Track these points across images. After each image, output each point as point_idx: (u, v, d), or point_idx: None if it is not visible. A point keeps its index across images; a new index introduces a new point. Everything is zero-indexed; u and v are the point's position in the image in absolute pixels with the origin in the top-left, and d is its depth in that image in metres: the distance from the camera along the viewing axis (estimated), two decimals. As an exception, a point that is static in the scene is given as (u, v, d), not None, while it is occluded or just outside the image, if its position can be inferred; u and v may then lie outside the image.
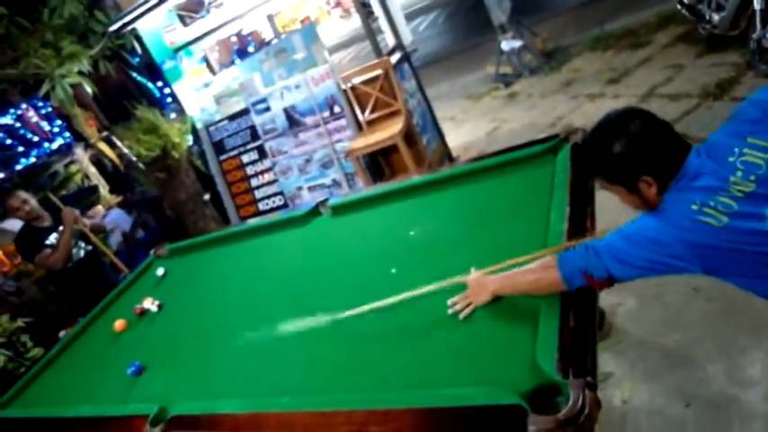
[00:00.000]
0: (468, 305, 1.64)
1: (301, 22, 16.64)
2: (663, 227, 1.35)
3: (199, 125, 5.29)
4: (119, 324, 2.64)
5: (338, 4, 22.92)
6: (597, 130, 1.47)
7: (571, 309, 1.40)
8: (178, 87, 5.40)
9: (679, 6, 5.31)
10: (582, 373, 1.20)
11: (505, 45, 6.86)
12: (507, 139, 5.13)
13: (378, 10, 4.89)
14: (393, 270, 2.04)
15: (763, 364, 2.21)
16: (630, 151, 1.39)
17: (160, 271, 3.07)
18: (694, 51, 5.13)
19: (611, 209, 2.85)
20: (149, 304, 2.70)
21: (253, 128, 4.99)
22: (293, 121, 4.76)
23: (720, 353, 2.33)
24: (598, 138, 1.46)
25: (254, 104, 4.85)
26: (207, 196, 5.59)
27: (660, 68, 5.20)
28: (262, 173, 5.16)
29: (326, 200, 2.89)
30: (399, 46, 4.91)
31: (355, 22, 16.56)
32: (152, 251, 3.40)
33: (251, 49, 7.36)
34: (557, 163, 2.08)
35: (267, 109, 4.82)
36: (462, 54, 9.36)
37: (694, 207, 1.32)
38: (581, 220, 1.68)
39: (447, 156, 5.16)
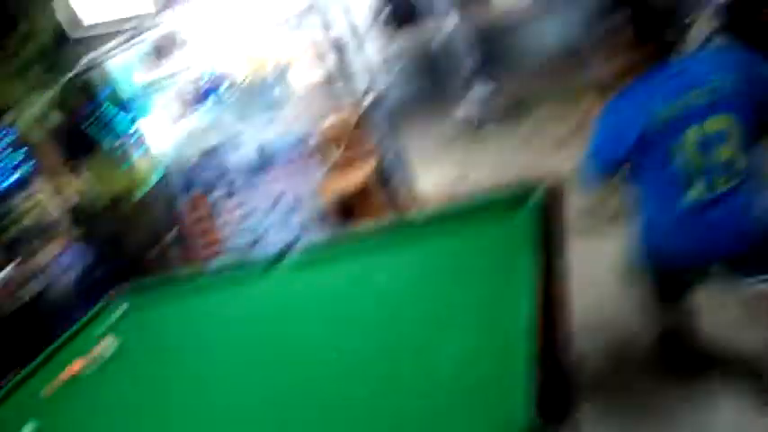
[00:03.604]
0: None
1: (275, 63, 16.86)
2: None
3: (167, 162, 5.21)
4: (66, 372, 2.50)
5: (312, 48, 23.28)
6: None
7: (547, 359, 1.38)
8: (147, 123, 5.33)
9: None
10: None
11: (474, 93, 7.03)
12: (474, 186, 5.19)
13: (352, 53, 4.96)
14: (360, 322, 2.00)
15: None
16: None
17: (119, 311, 2.96)
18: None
19: (587, 260, 2.88)
20: (106, 346, 2.58)
21: (222, 166, 4.94)
22: (264, 160, 4.74)
23: None
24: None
25: (224, 143, 4.81)
26: (171, 235, 5.47)
27: (624, 121, 5.34)
28: (230, 212, 5.09)
29: (294, 242, 2.85)
30: (372, 89, 4.97)
31: (329, 64, 16.80)
32: (111, 290, 3.28)
33: (223, 88, 7.36)
34: (526, 211, 2.09)
35: (238, 147, 4.79)
36: (432, 101, 9.52)
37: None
38: (551, 269, 1.68)
39: (416, 200, 5.18)
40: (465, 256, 2.14)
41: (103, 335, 2.73)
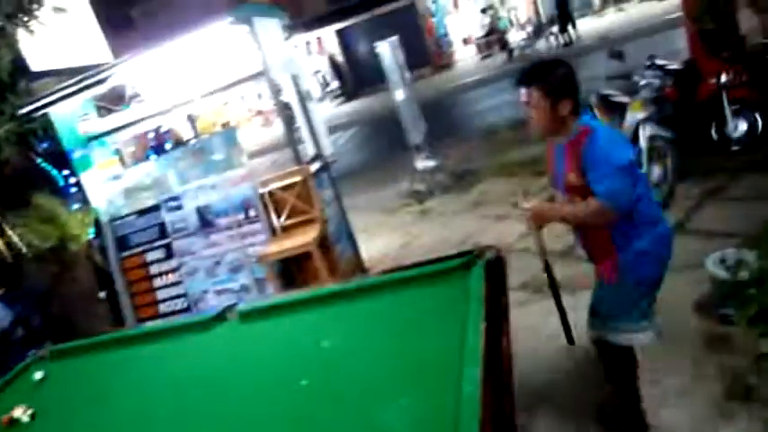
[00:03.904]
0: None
1: (222, 125, 16.86)
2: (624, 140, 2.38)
3: (104, 218, 5.04)
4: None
5: (260, 113, 23.50)
6: (546, 61, 2.32)
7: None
8: (86, 177, 5.18)
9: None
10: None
11: (420, 164, 7.23)
12: (419, 254, 5.24)
13: (300, 119, 5.03)
14: (303, 382, 1.94)
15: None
16: (567, 77, 2.23)
17: (38, 375, 2.75)
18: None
19: (526, 326, 2.90)
20: (20, 413, 2.39)
21: (162, 225, 4.82)
22: (206, 221, 4.66)
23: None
24: (548, 63, 2.29)
25: (165, 201, 4.72)
26: (102, 294, 5.22)
27: (560, 196, 5.60)
28: (167, 273, 4.92)
29: (234, 305, 2.77)
30: (319, 156, 5.02)
31: (276, 130, 16.96)
32: (32, 352, 3.07)
33: (168, 146, 7.29)
34: (471, 278, 2.12)
35: (179, 207, 4.70)
36: (379, 169, 9.72)
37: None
38: (497, 334, 1.70)
39: (360, 266, 5.18)
40: (410, 321, 2.14)
41: (19, 400, 2.52)
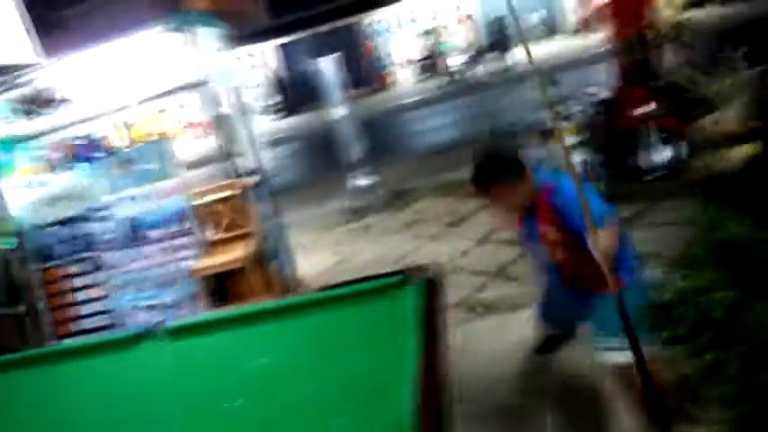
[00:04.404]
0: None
1: (158, 135, 16.37)
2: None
3: (23, 227, 4.76)
4: None
5: (198, 124, 22.99)
6: (494, 160, 2.39)
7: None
8: (5, 183, 4.88)
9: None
10: None
11: (357, 182, 7.25)
12: (355, 271, 5.22)
13: (239, 132, 4.94)
14: (233, 403, 1.88)
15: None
16: (513, 156, 2.35)
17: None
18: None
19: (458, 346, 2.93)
20: None
21: (88, 236, 4.60)
22: (136, 233, 4.48)
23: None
24: (492, 158, 2.39)
25: (93, 211, 4.51)
26: (19, 309, 4.91)
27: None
28: (91, 287, 4.69)
29: (163, 321, 2.67)
30: (257, 169, 4.94)
31: (213, 142, 16.62)
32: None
33: (99, 154, 6.98)
34: (406, 297, 2.12)
35: (108, 218, 4.50)
36: (317, 186, 9.67)
37: None
38: (432, 353, 1.70)
39: (296, 283, 5.11)
40: (344, 340, 2.12)
41: None
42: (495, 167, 2.37)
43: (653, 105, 5.28)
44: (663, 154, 5.32)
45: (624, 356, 2.29)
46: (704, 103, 4.00)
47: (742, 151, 3.26)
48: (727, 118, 3.38)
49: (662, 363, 2.52)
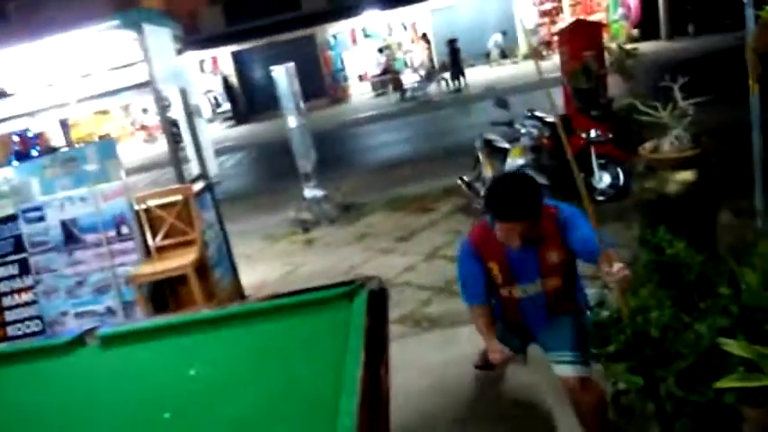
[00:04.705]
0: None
1: (100, 138, 15.83)
2: None
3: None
4: None
5: (144, 128, 22.40)
6: (520, 188, 2.28)
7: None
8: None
9: (459, 182, 6.18)
10: None
11: (308, 193, 7.18)
12: (301, 283, 5.14)
13: (186, 137, 4.82)
14: (167, 415, 1.80)
15: None
16: (539, 191, 2.28)
17: None
18: (470, 221, 5.83)
19: (403, 360, 2.92)
20: None
21: (18, 238, 4.36)
22: (71, 236, 4.28)
23: None
24: (524, 191, 2.26)
25: (24, 212, 4.29)
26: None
27: (443, 232, 5.80)
28: (19, 291, 4.44)
29: (95, 328, 2.54)
30: (204, 175, 4.82)
31: (159, 147, 16.21)
32: None
33: (35, 153, 6.70)
34: (353, 308, 2.09)
35: (40, 219, 4.28)
36: (266, 196, 9.54)
37: None
38: (376, 366, 1.67)
39: (239, 293, 4.99)
40: (287, 350, 2.07)
41: None
42: (530, 202, 2.27)
43: (596, 132, 5.46)
44: (604, 179, 5.51)
45: (578, 370, 2.40)
46: (645, 130, 4.17)
47: (680, 177, 3.40)
48: (666, 146, 3.52)
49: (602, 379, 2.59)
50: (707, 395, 2.12)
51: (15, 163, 4.71)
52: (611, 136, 5.50)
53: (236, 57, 23.39)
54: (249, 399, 1.78)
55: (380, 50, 21.88)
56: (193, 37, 18.65)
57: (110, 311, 4.31)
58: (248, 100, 23.36)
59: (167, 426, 1.76)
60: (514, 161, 5.53)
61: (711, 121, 4.54)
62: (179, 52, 5.00)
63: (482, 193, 5.51)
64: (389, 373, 1.69)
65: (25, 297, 4.43)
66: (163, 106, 4.67)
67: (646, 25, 18.83)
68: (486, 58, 21.70)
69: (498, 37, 21.18)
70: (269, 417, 1.69)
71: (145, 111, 21.60)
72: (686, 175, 3.43)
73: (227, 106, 23.06)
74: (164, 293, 4.41)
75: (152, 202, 4.33)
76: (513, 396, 3.09)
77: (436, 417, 3.07)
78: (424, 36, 21.82)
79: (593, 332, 2.93)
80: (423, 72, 19.48)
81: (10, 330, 4.46)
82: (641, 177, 3.73)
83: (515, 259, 2.41)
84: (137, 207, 4.28)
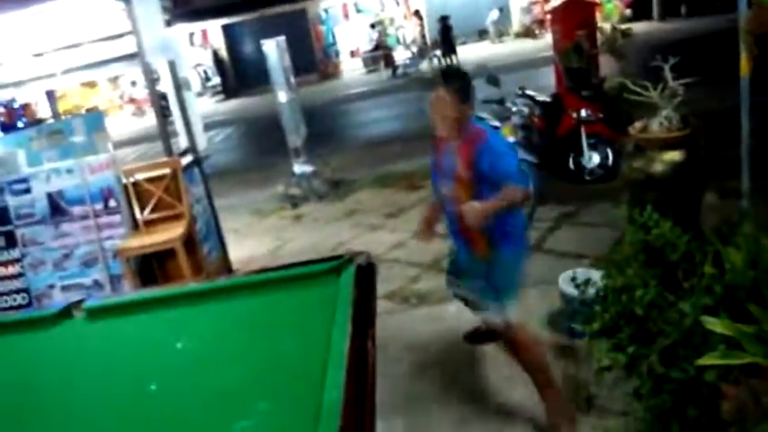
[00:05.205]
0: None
1: (87, 110, 15.63)
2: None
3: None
4: None
5: (132, 101, 22.12)
6: (456, 69, 2.91)
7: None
8: None
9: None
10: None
11: (297, 168, 7.14)
12: (289, 258, 5.13)
13: (175, 111, 4.76)
14: (153, 386, 1.81)
15: None
16: (470, 86, 2.64)
17: None
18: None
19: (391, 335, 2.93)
20: None
21: (3, 210, 4.31)
22: (58, 209, 4.24)
23: None
24: (458, 71, 2.85)
25: (10, 183, 4.24)
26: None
27: (431, 210, 5.79)
28: (6, 264, 4.41)
29: (81, 301, 2.53)
30: (192, 149, 4.78)
31: (148, 120, 16.02)
32: None
33: (20, 124, 6.61)
34: (340, 283, 2.10)
35: (27, 191, 4.24)
36: (254, 171, 9.49)
37: None
38: (363, 340, 1.68)
39: (227, 267, 4.99)
40: (274, 323, 2.08)
41: None
42: (457, 75, 2.72)
43: (587, 112, 5.45)
44: (593, 159, 5.52)
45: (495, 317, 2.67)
46: (635, 110, 4.16)
47: (668, 157, 3.41)
48: (655, 126, 3.53)
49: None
50: (688, 372, 2.16)
51: (1, 134, 4.63)
52: (601, 116, 5.50)
53: (227, 30, 23.03)
54: (236, 372, 1.80)
55: (372, 26, 21.63)
56: (183, 9, 18.33)
57: (97, 284, 4.30)
58: (238, 74, 23.06)
59: (153, 397, 1.77)
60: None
61: (701, 102, 4.55)
62: (168, 24, 4.92)
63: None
64: (376, 346, 1.70)
65: (12, 270, 4.41)
66: (151, 79, 4.62)
67: (638, 5, 18.72)
68: (478, 36, 21.50)
69: (496, 14, 20.97)
70: (255, 389, 1.70)
71: (134, 84, 21.31)
72: (674, 156, 3.44)
73: (216, 80, 22.77)
74: (151, 267, 4.40)
75: (140, 176, 4.30)
76: (499, 371, 3.13)
77: (423, 392, 3.11)
78: (417, 12, 21.57)
79: (579, 309, 2.98)
80: (415, 49, 19.30)
81: (-6, 303, 4.44)
82: (630, 157, 3.74)
83: (445, 153, 2.73)
84: (124, 180, 4.25)
